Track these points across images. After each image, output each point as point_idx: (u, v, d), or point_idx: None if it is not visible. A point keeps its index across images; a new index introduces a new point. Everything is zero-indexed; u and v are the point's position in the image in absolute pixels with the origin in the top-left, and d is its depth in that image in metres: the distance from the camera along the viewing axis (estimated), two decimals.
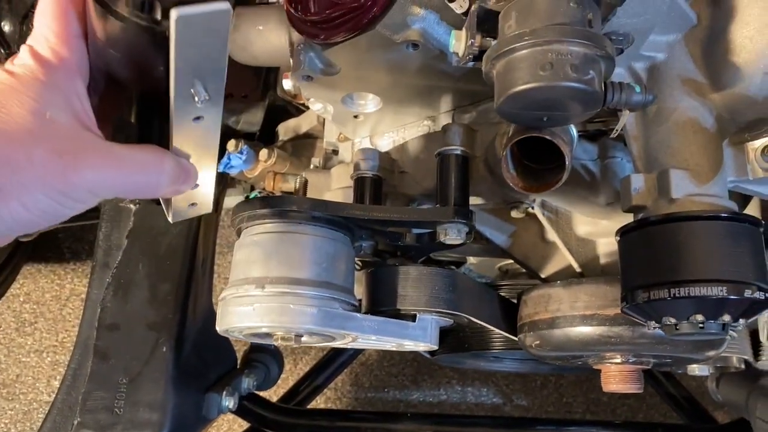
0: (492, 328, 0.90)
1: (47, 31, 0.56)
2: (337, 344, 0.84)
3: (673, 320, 0.62)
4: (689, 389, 1.49)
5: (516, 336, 0.91)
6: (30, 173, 0.48)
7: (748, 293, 0.59)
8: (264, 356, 1.31)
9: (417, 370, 1.77)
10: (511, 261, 1.16)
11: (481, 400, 1.76)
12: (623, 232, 0.67)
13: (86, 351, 1.04)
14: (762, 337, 0.97)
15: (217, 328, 0.79)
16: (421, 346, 0.84)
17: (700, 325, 0.60)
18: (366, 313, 0.85)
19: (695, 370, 1.11)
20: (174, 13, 0.49)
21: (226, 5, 0.50)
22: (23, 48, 0.56)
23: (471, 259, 1.21)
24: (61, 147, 0.50)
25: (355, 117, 0.96)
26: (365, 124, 0.99)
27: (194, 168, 0.61)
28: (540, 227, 0.96)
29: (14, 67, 0.54)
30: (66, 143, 0.51)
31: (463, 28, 0.62)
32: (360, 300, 0.85)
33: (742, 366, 1.07)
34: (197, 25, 0.50)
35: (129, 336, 1.05)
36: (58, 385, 1.02)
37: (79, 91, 0.55)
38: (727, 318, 0.60)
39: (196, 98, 0.54)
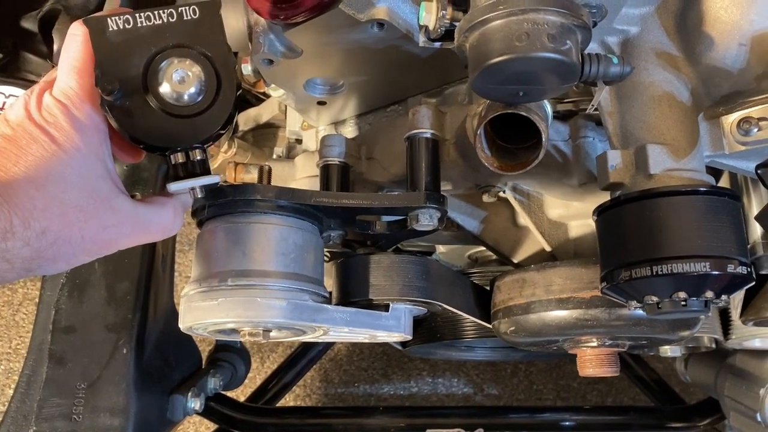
0: (466, 315, 0.88)
1: (79, 89, 0.55)
2: (308, 338, 0.81)
3: (655, 299, 0.60)
4: (657, 371, 1.50)
5: (490, 323, 0.89)
6: (81, 246, 0.55)
7: (730, 268, 0.58)
8: (230, 355, 1.27)
9: (387, 363, 1.74)
10: (481, 249, 1.15)
11: (452, 390, 1.74)
12: (600, 211, 0.66)
13: (41, 356, 0.99)
14: (734, 315, 0.97)
15: (180, 326, 0.74)
16: (395, 337, 0.82)
17: (683, 303, 0.59)
18: (337, 304, 0.81)
19: (667, 351, 1.11)
20: (169, 187, 0.59)
21: (216, 179, 0.60)
22: (52, 102, 0.54)
23: (440, 248, 1.19)
24: (105, 221, 0.56)
25: (319, 103, 0.93)
26: (329, 110, 0.95)
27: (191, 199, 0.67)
28: (511, 212, 0.94)
29: (49, 127, 0.54)
30: (108, 215, 0.56)
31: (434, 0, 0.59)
32: (330, 292, 0.82)
33: (713, 345, 1.08)
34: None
35: (86, 338, 1.00)
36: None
37: (109, 153, 0.57)
38: (709, 294, 0.59)
39: (193, 196, 0.63)
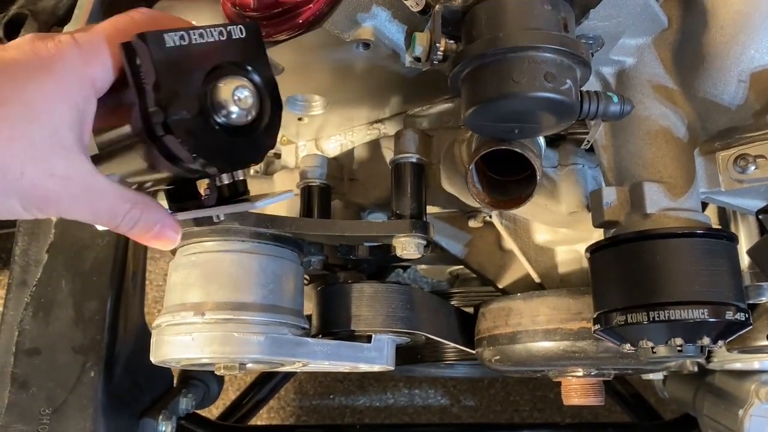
0: (450, 343, 0.85)
1: (104, 49, 0.50)
2: (287, 369, 0.78)
3: (650, 344, 0.58)
4: (633, 383, 1.50)
5: (473, 349, 0.87)
6: (16, 186, 0.47)
7: (728, 315, 0.56)
8: (203, 373, 1.22)
9: (363, 375, 1.72)
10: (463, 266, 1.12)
11: (428, 402, 1.72)
12: (594, 250, 0.63)
13: (2, 380, 0.93)
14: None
15: (152, 359, 0.71)
16: (377, 368, 0.79)
17: (679, 349, 0.57)
18: (317, 333, 0.79)
19: (649, 375, 1.10)
20: (254, 207, 0.58)
21: (292, 194, 0.62)
22: (67, 37, 0.49)
23: (421, 265, 1.17)
24: (56, 168, 0.48)
25: (300, 119, 0.89)
26: (310, 126, 0.92)
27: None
28: (497, 235, 0.91)
29: (41, 41, 0.48)
30: (62, 164, 0.49)
31: (425, 30, 0.56)
32: (309, 315, 0.79)
33: (695, 369, 1.07)
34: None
35: (51, 361, 0.95)
36: None
37: (87, 107, 0.50)
38: (706, 341, 0.57)
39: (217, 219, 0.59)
